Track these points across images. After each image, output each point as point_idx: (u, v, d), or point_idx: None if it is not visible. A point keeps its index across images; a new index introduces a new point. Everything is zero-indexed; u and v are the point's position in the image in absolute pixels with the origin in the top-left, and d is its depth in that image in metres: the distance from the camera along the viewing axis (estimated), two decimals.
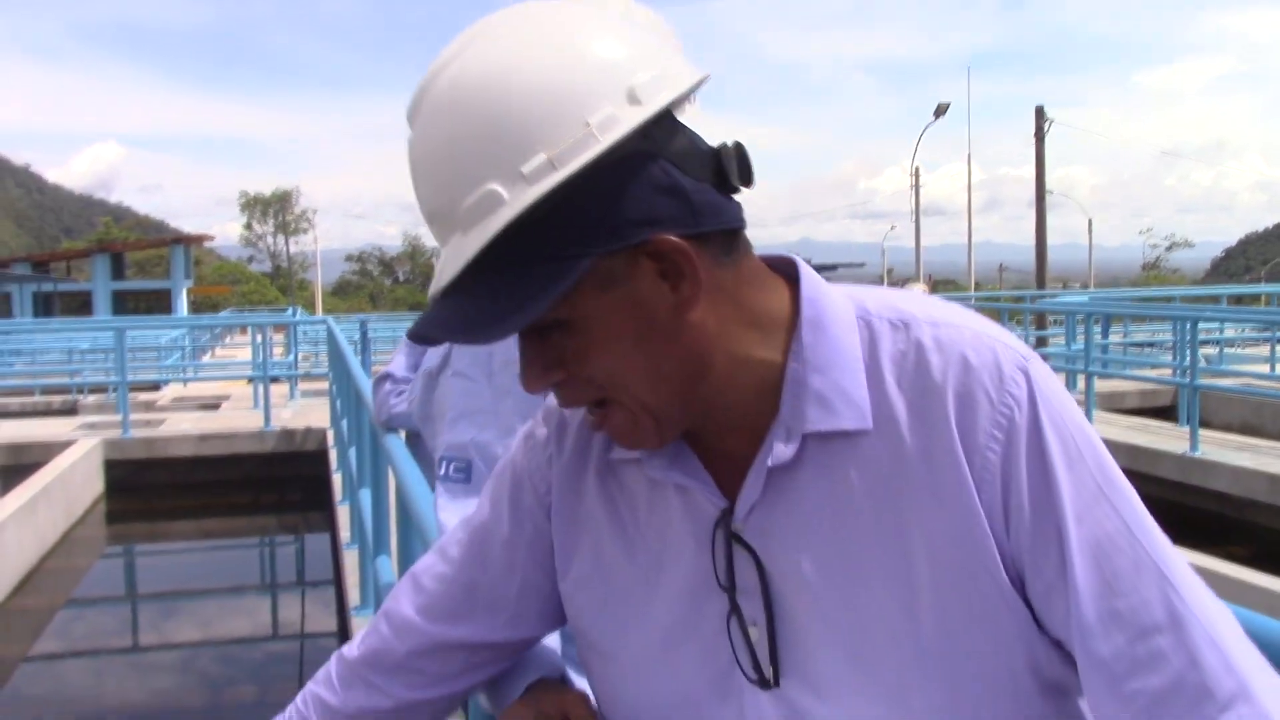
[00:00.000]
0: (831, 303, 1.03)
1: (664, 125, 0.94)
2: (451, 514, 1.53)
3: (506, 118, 0.90)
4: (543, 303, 0.90)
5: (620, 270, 0.92)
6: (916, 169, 39.51)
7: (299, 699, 1.27)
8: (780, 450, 0.99)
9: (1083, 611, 0.92)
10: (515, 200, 0.89)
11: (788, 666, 1.00)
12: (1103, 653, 0.92)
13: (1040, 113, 31.81)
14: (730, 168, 0.97)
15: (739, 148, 0.98)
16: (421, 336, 0.96)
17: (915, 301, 1.04)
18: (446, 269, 0.93)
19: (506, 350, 1.62)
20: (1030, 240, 32.23)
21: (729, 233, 0.97)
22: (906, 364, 0.99)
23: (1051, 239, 32.53)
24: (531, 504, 1.18)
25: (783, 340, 1.01)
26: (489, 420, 1.59)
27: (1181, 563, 0.95)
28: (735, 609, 1.01)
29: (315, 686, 1.27)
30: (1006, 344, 0.99)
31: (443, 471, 1.59)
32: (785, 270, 1.05)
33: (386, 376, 4.19)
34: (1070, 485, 0.94)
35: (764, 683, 1.00)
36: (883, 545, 0.97)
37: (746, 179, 0.98)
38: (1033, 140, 31.72)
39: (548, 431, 1.18)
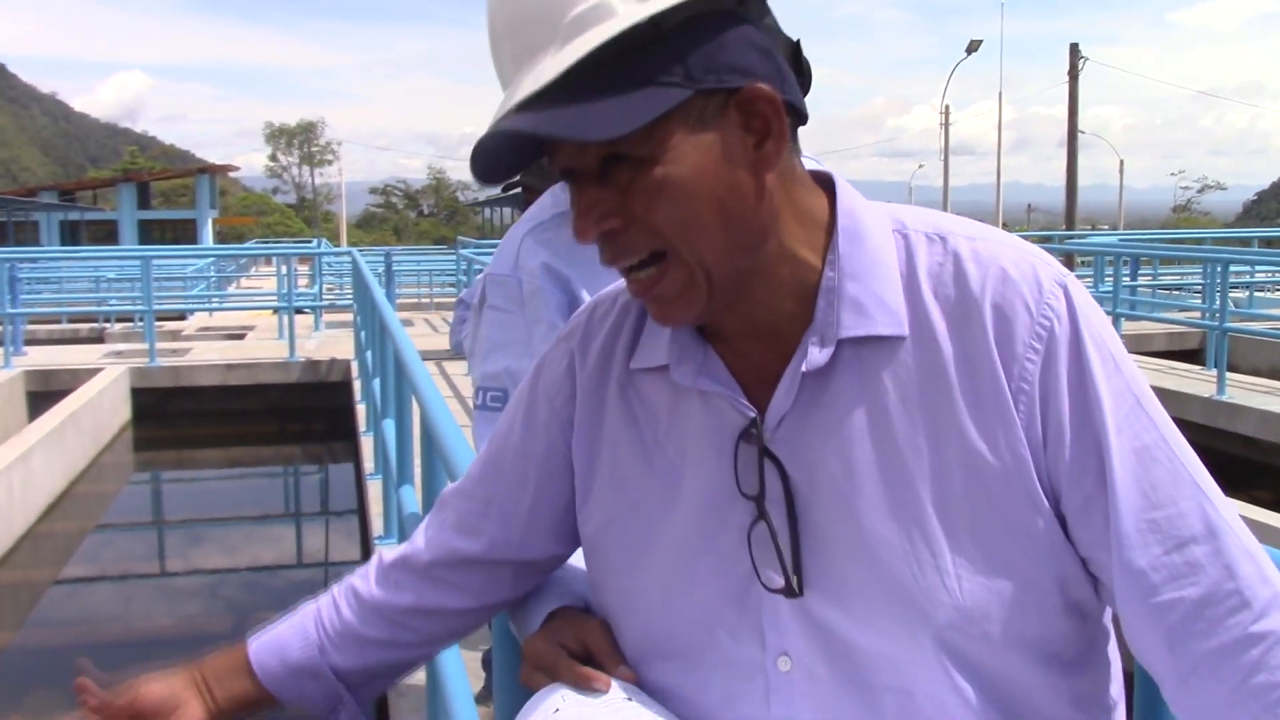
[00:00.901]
0: (868, 215, 1.03)
1: (759, 1, 0.98)
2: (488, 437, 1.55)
3: None
4: (639, 119, 0.91)
5: (711, 114, 0.94)
6: (946, 107, 39.09)
7: (336, 586, 1.31)
8: (815, 355, 0.99)
9: (1121, 521, 0.93)
10: (626, 14, 0.91)
11: (811, 577, 0.99)
12: (1140, 563, 0.92)
13: (1075, 50, 31.35)
14: (805, 59, 1.00)
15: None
16: (502, 143, 0.96)
17: (953, 219, 1.05)
18: (542, 74, 0.92)
19: (533, 280, 1.62)
20: (1059, 180, 31.95)
21: (795, 119, 0.98)
22: (944, 275, 1.00)
23: (1081, 180, 32.23)
24: (547, 417, 1.18)
25: (821, 247, 1.02)
26: (523, 350, 1.61)
27: (1210, 477, 0.96)
28: (763, 516, 1.00)
29: (351, 576, 1.30)
30: (1046, 260, 1.00)
31: (480, 401, 1.61)
32: (823, 184, 1.06)
33: (460, 302, 4.29)
34: (1110, 397, 0.95)
35: (789, 592, 0.99)
36: (916, 453, 0.97)
37: (808, 81, 1.01)
38: (1065, 79, 31.29)
39: (570, 345, 1.18)
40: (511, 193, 4.26)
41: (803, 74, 1.01)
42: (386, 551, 1.30)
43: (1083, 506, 0.95)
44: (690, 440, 1.07)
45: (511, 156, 0.99)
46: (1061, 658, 0.99)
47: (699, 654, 1.05)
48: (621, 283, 1.17)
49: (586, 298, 1.62)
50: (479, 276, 4.63)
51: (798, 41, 1.01)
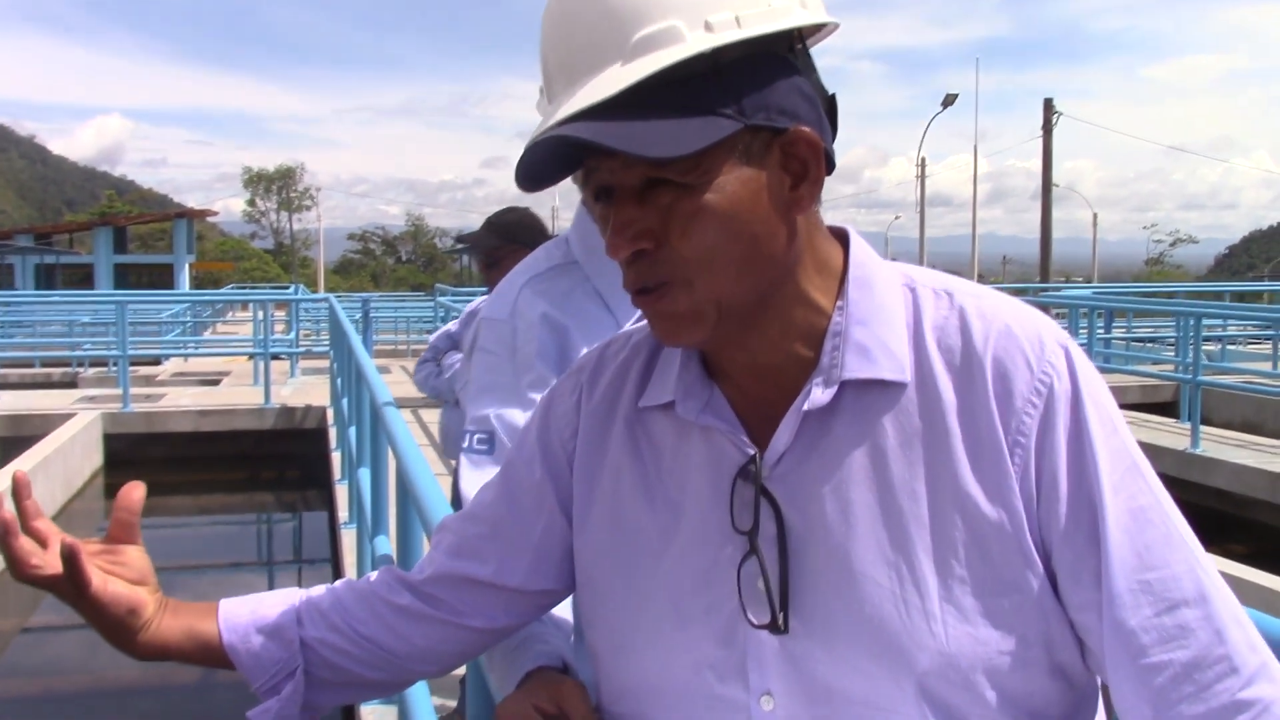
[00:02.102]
0: (879, 267, 1.06)
1: (805, 53, 1.02)
2: (474, 484, 1.54)
3: None
4: (691, 145, 0.93)
5: (756, 150, 0.96)
6: (922, 159, 39.43)
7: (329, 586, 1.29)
8: (818, 395, 1.01)
9: (1113, 581, 0.93)
10: (695, 42, 0.94)
11: (797, 615, 1.00)
12: (1131, 623, 0.93)
13: (1049, 105, 31.77)
14: (836, 116, 1.04)
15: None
16: (549, 150, 0.97)
17: (961, 280, 1.07)
18: (606, 86, 0.94)
19: (528, 328, 1.62)
20: (1034, 233, 32.24)
21: (827, 169, 1.01)
22: (949, 327, 1.02)
23: (1056, 232, 32.55)
24: (555, 449, 1.19)
25: (834, 293, 1.04)
26: (510, 395, 1.61)
27: (1199, 544, 0.97)
28: (754, 552, 1.01)
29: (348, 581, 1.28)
30: (1048, 322, 1.02)
31: (467, 444, 1.61)
32: (838, 237, 1.08)
33: (431, 345, 4.31)
34: (1108, 457, 0.96)
35: (773, 628, 0.99)
36: (913, 497, 0.98)
37: (835, 133, 1.05)
38: (1040, 133, 31.66)
39: (580, 379, 1.20)
40: (461, 246, 4.26)
41: (834, 127, 1.04)
42: (394, 571, 1.28)
43: (1074, 564, 0.95)
44: (690, 477, 1.08)
45: (552, 166, 1.01)
46: (1045, 715, 0.99)
47: (685, 693, 1.05)
48: (634, 326, 1.20)
49: (581, 349, 1.62)
50: (446, 326, 4.65)
51: (833, 96, 1.04)
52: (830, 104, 1.03)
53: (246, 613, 1.22)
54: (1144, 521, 0.95)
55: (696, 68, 0.94)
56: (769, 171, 0.97)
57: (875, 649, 0.96)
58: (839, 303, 1.03)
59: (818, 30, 1.03)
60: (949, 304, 1.03)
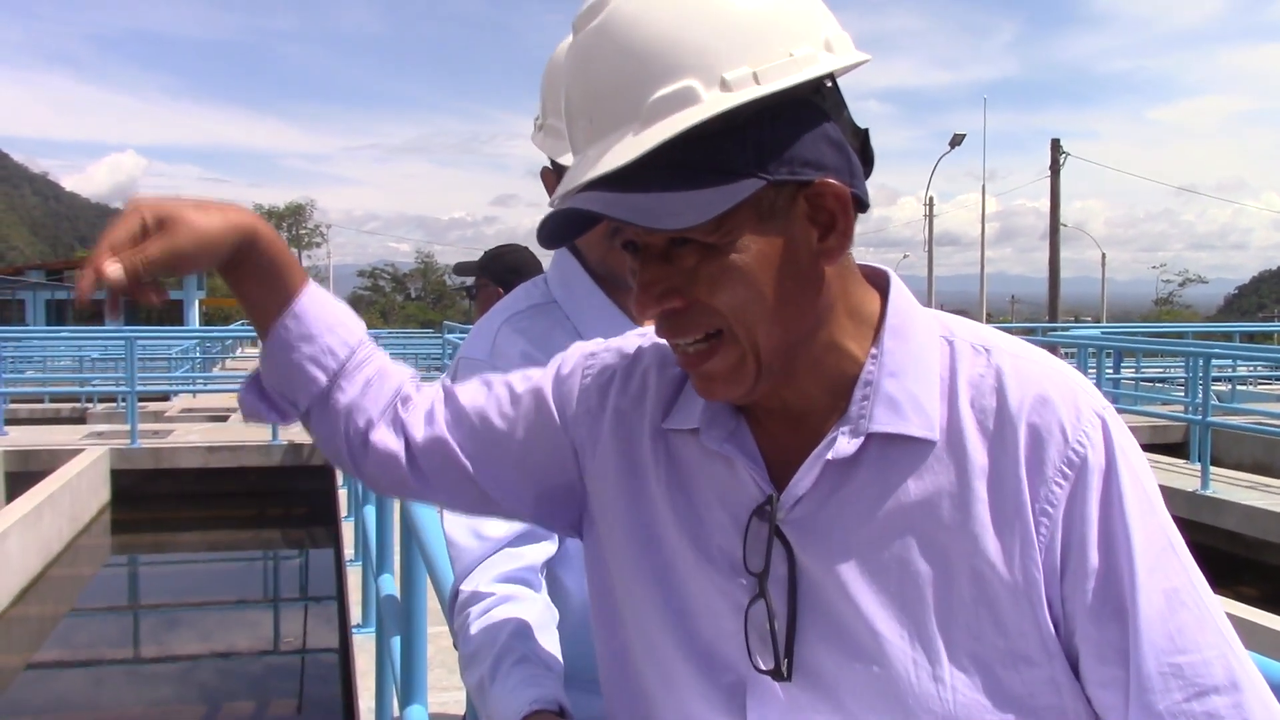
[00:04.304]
0: (918, 317, 1.04)
1: (834, 90, 0.99)
2: (457, 524, 1.53)
3: (723, 21, 0.93)
4: (709, 212, 0.91)
5: (780, 205, 0.94)
6: (930, 198, 39.54)
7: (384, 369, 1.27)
8: (843, 444, 0.99)
9: (1143, 662, 0.91)
10: (711, 103, 0.91)
11: (802, 663, 0.98)
12: (1159, 706, 0.91)
13: (1056, 145, 31.84)
14: (872, 149, 1.01)
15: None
16: (566, 216, 0.97)
17: (1003, 335, 1.05)
18: (619, 155, 0.92)
19: (507, 369, 1.62)
20: (1043, 272, 32.22)
21: (858, 209, 0.99)
22: (984, 386, 0.99)
23: (1064, 272, 32.51)
24: (570, 418, 1.19)
25: (868, 341, 1.02)
26: None
27: (1233, 630, 0.94)
28: (763, 595, 0.99)
29: (403, 380, 1.27)
30: (1087, 389, 0.99)
31: None
32: (876, 281, 1.07)
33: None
34: (1144, 535, 0.93)
35: (776, 674, 0.98)
36: (930, 557, 0.96)
37: (871, 167, 1.02)
38: (1048, 173, 31.73)
39: (611, 369, 1.19)
40: (463, 282, 4.24)
41: (868, 161, 1.01)
42: (411, 387, 1.27)
43: (1100, 641, 0.93)
44: (706, 506, 1.07)
45: (573, 224, 1.00)
46: None
47: None
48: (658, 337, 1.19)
49: None
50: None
51: (866, 130, 1.02)
52: (862, 139, 1.01)
53: (299, 342, 1.19)
54: (1177, 603, 0.93)
55: (714, 125, 0.91)
56: (795, 224, 0.95)
57: (879, 706, 0.95)
58: (873, 350, 1.01)
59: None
60: (986, 361, 1.01)
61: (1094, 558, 0.93)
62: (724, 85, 0.92)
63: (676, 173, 0.92)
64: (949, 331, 1.04)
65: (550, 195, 1.75)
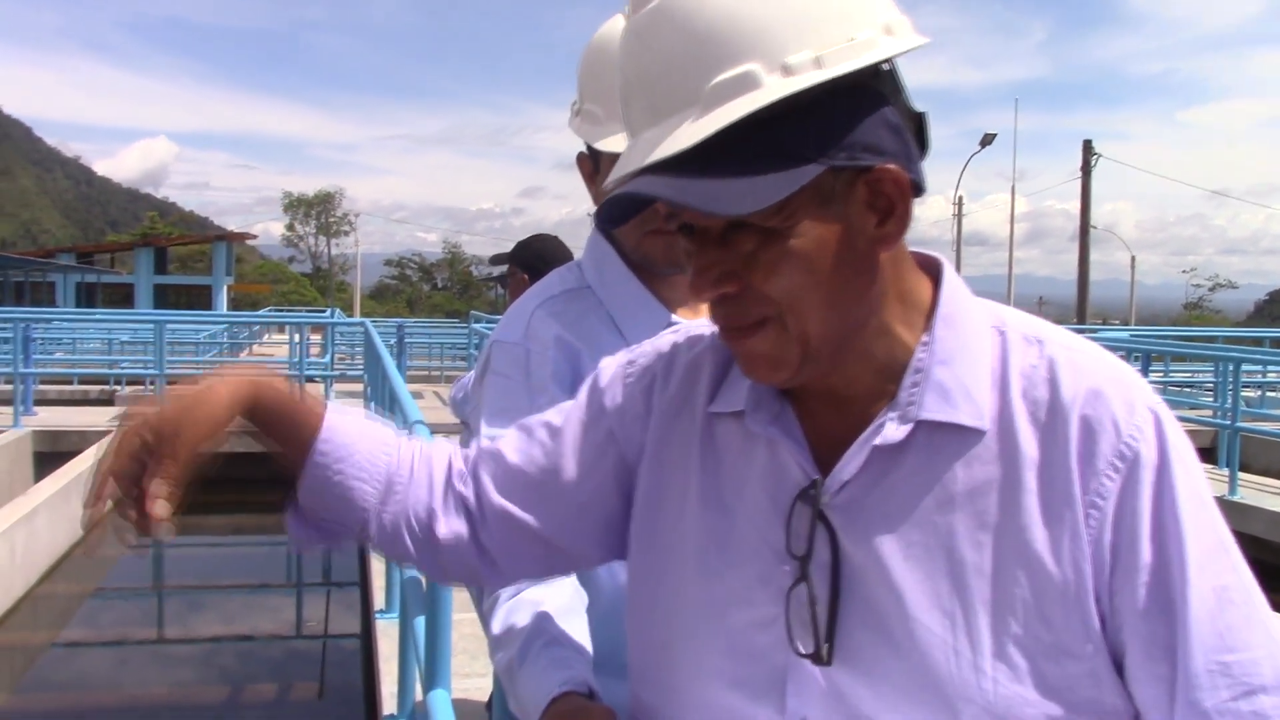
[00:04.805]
0: (970, 306, 1.03)
1: (892, 74, 0.98)
2: None
3: (784, 4, 0.92)
4: (771, 198, 0.90)
5: (839, 190, 0.93)
6: (960, 198, 39.37)
7: (420, 453, 1.23)
8: (891, 430, 0.98)
9: (1191, 660, 0.90)
10: (772, 87, 0.90)
11: (842, 648, 0.97)
12: (1205, 704, 0.90)
13: (1088, 146, 31.66)
14: (928, 132, 1.00)
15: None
16: (626, 199, 0.96)
17: (1055, 328, 1.03)
18: (678, 140, 0.91)
19: (542, 351, 1.62)
20: (1071, 274, 32.06)
21: (914, 195, 0.98)
22: (1036, 377, 0.98)
23: (1093, 274, 32.33)
24: (616, 428, 1.17)
25: (919, 329, 1.01)
26: (523, 417, 1.59)
27: None
28: (805, 579, 0.98)
29: (431, 456, 1.23)
30: (1140, 383, 0.98)
31: None
32: (929, 269, 1.06)
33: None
34: (1195, 532, 0.92)
35: (816, 658, 0.97)
36: (977, 547, 0.95)
37: (926, 151, 1.01)
38: (1079, 174, 31.55)
39: (651, 369, 1.18)
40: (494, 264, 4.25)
41: (924, 145, 1.00)
42: (456, 462, 1.24)
43: (1148, 637, 0.92)
44: (750, 490, 1.06)
45: (631, 206, 0.99)
46: None
47: (716, 712, 1.03)
48: (700, 323, 1.18)
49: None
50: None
51: (923, 114, 1.01)
52: (919, 123, 1.00)
53: (336, 469, 1.15)
54: (1226, 601, 0.92)
55: (775, 109, 0.90)
56: (853, 209, 0.94)
57: (920, 695, 0.94)
58: (924, 338, 1.00)
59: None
60: (1039, 352, 1.00)
61: (1145, 553, 0.92)
62: (785, 70, 0.91)
63: (737, 158, 0.91)
64: (1001, 322, 1.03)
65: (586, 180, 1.75)
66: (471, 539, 1.20)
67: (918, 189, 0.98)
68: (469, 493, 1.21)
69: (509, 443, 1.23)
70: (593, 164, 1.72)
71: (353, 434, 1.18)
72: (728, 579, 1.05)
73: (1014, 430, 0.97)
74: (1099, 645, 0.93)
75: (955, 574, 0.95)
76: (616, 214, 1.00)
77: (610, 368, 1.22)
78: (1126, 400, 0.96)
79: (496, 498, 1.20)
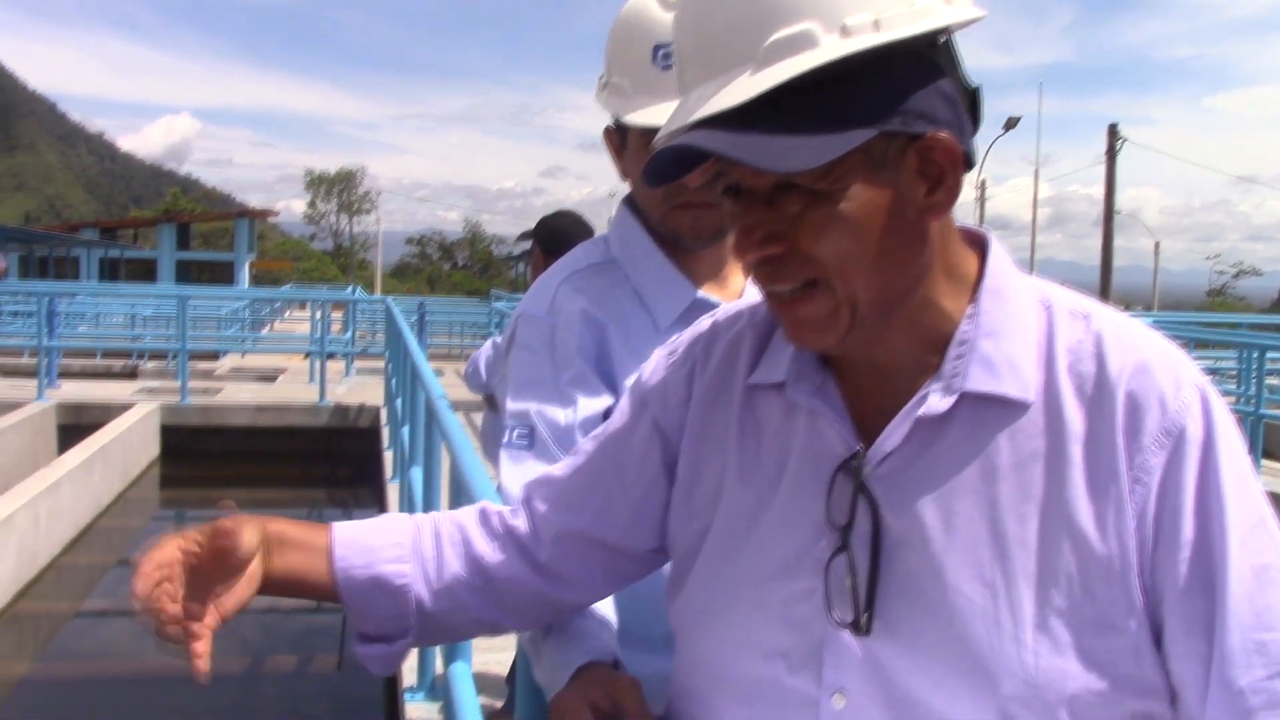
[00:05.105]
0: (1016, 280, 1.03)
1: (950, 46, 0.98)
2: (514, 478, 1.54)
3: None
4: (821, 158, 0.90)
5: (890, 156, 0.93)
6: (983, 181, 39.14)
7: (437, 518, 1.26)
8: (935, 402, 0.98)
9: (1228, 637, 0.90)
10: (829, 48, 0.90)
11: (882, 618, 0.97)
12: (1240, 683, 0.90)
13: (1113, 131, 31.39)
14: (981, 108, 0.99)
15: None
16: (675, 153, 0.96)
17: (1101, 305, 1.03)
18: (734, 94, 0.91)
19: (567, 324, 1.62)
20: (1094, 259, 31.86)
21: (965, 168, 0.98)
22: (1083, 352, 0.98)
23: (1116, 260, 32.13)
24: (666, 415, 1.18)
25: (964, 301, 1.01)
26: (550, 391, 1.60)
27: None
28: (845, 549, 0.99)
29: (454, 517, 1.26)
30: (1186, 361, 0.98)
31: (507, 439, 1.60)
32: (975, 243, 1.05)
33: (493, 342, 4.36)
34: (1237, 509, 0.92)
35: (855, 629, 0.97)
36: (1021, 520, 0.95)
37: (978, 126, 1.01)
38: (1103, 159, 31.31)
39: (692, 351, 1.18)
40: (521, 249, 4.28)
41: (976, 120, 1.00)
42: (490, 506, 1.27)
43: (1187, 614, 0.92)
44: (790, 461, 1.06)
45: (679, 163, 0.99)
46: None
47: (753, 681, 1.04)
48: (738, 303, 1.18)
49: (619, 347, 1.62)
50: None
51: (978, 88, 1.00)
52: (973, 97, 0.99)
53: (361, 565, 1.18)
54: (1266, 580, 0.91)
55: (830, 71, 0.90)
56: (903, 177, 0.94)
57: (960, 666, 0.94)
58: (970, 310, 1.00)
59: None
60: (1085, 327, 1.00)
61: (1187, 529, 0.92)
62: (844, 31, 0.90)
63: (789, 117, 0.91)
64: (1047, 297, 1.03)
65: (613, 154, 1.75)
66: (532, 567, 1.22)
67: (969, 161, 0.98)
68: (519, 523, 1.23)
69: (557, 465, 1.25)
70: (620, 138, 1.72)
71: (363, 530, 1.21)
72: (767, 551, 1.05)
73: (1060, 404, 0.96)
74: (1141, 620, 0.92)
75: (998, 546, 0.95)
76: (665, 170, 0.99)
77: (653, 362, 1.23)
78: (1174, 376, 0.96)
79: (551, 517, 1.21)
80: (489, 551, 1.22)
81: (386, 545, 1.21)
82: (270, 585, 1.16)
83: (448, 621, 1.23)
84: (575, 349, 1.61)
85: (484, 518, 1.26)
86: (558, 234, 3.90)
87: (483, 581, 1.22)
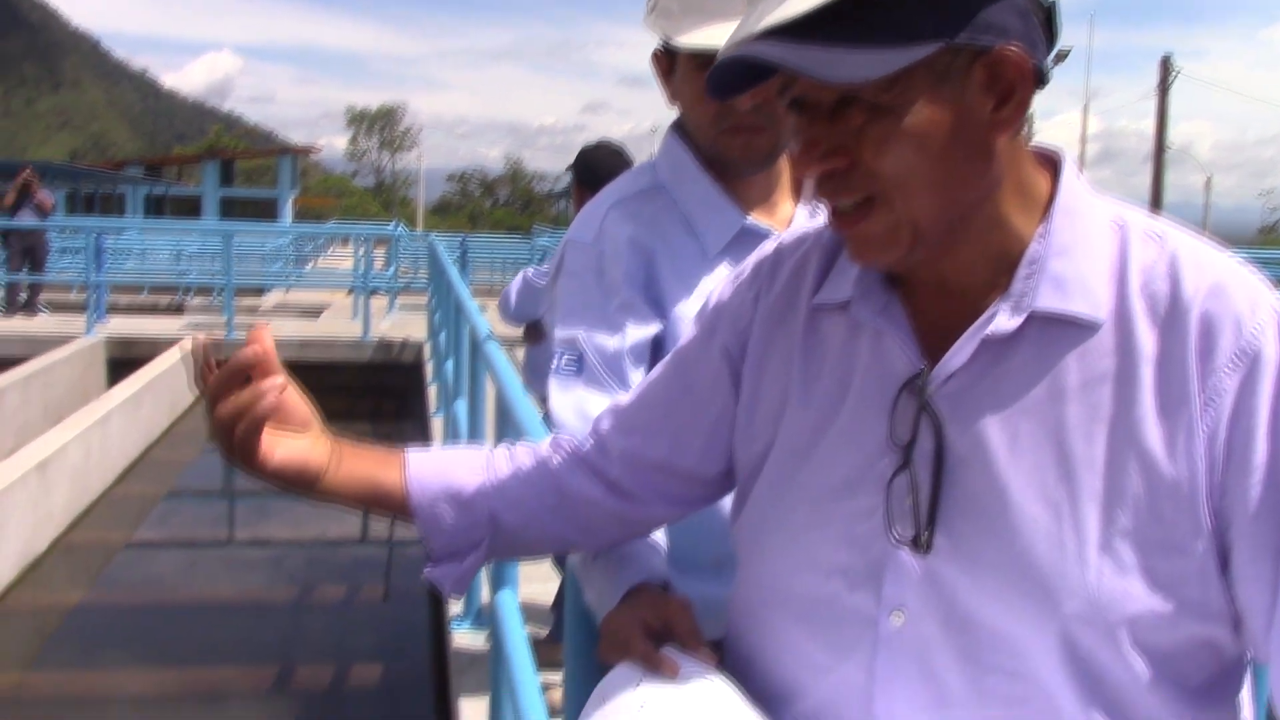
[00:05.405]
0: (1089, 199, 1.01)
1: None
2: (564, 405, 1.54)
3: None
4: (885, 69, 0.89)
5: (957, 69, 0.92)
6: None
7: (506, 445, 1.30)
8: (1003, 321, 0.96)
9: None
10: None
11: (942, 536, 0.97)
12: None
13: (1166, 63, 30.77)
14: (1058, 23, 0.97)
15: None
16: (738, 65, 0.95)
17: (1177, 226, 1.01)
18: (791, 6, 0.90)
19: (615, 252, 1.62)
20: (1143, 196, 31.38)
21: (1037, 86, 0.96)
22: (1156, 273, 0.96)
23: (1167, 196, 31.65)
24: (729, 341, 1.17)
25: (1036, 220, 0.99)
26: (598, 318, 1.60)
27: None
28: (907, 468, 0.98)
29: (524, 444, 1.29)
30: (1264, 284, 0.96)
31: (555, 365, 1.60)
32: (1048, 163, 1.04)
33: (522, 276, 4.38)
34: None
35: (916, 546, 0.97)
36: (1088, 440, 0.94)
37: (1055, 42, 0.99)
38: (1155, 92, 30.73)
39: (758, 273, 1.18)
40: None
41: (1053, 37, 0.98)
42: (561, 435, 1.29)
43: (1255, 538, 0.90)
44: (854, 380, 1.06)
45: (744, 76, 0.98)
46: (1186, 684, 0.95)
47: (812, 599, 1.04)
48: (804, 226, 1.17)
49: (668, 274, 1.62)
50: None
51: (1053, 3, 0.98)
52: (1048, 12, 0.97)
53: (435, 475, 1.22)
54: None
55: None
56: (969, 91, 0.92)
57: (1022, 585, 0.93)
58: (1040, 230, 0.98)
59: None
60: (1160, 248, 0.97)
61: (1259, 452, 0.90)
62: None
63: (854, 28, 0.89)
64: (1121, 218, 1.01)
65: (661, 79, 1.73)
66: (605, 487, 1.23)
67: (1041, 78, 0.95)
68: (591, 449, 1.24)
69: (628, 394, 1.26)
70: (668, 61, 1.69)
71: (435, 451, 1.24)
72: (828, 470, 1.05)
73: (1131, 325, 0.95)
74: (1209, 544, 0.91)
75: (1064, 466, 0.94)
76: (728, 82, 0.98)
77: (720, 287, 1.22)
78: (1250, 298, 0.94)
79: (623, 444, 1.22)
80: (564, 471, 1.24)
81: (459, 460, 1.24)
82: (340, 491, 1.19)
83: (520, 536, 1.24)
84: (623, 276, 1.61)
85: (556, 444, 1.27)
86: (593, 166, 3.92)
87: (557, 499, 1.23)
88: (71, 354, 11.75)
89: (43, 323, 13.91)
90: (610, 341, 1.58)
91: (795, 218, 1.70)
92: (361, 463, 1.21)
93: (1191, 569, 0.91)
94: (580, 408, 1.53)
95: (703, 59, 1.57)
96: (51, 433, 8.39)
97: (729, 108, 1.56)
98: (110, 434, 9.26)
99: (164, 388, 11.14)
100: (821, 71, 0.89)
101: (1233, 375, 0.91)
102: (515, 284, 4.56)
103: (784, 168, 1.73)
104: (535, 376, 4.28)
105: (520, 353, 4.94)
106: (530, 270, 4.55)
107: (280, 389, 1.10)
